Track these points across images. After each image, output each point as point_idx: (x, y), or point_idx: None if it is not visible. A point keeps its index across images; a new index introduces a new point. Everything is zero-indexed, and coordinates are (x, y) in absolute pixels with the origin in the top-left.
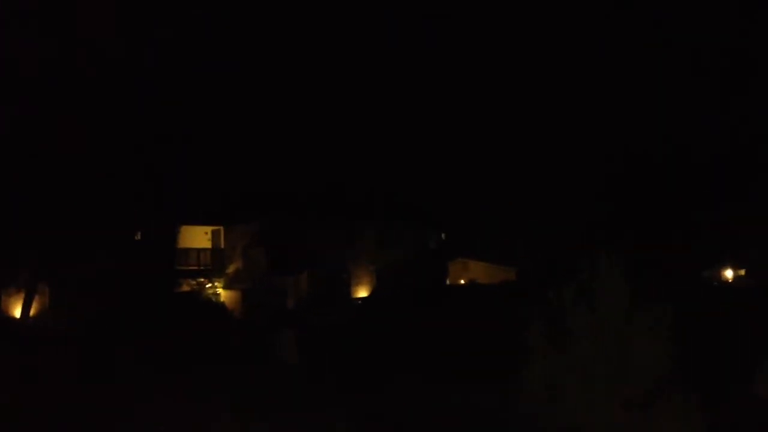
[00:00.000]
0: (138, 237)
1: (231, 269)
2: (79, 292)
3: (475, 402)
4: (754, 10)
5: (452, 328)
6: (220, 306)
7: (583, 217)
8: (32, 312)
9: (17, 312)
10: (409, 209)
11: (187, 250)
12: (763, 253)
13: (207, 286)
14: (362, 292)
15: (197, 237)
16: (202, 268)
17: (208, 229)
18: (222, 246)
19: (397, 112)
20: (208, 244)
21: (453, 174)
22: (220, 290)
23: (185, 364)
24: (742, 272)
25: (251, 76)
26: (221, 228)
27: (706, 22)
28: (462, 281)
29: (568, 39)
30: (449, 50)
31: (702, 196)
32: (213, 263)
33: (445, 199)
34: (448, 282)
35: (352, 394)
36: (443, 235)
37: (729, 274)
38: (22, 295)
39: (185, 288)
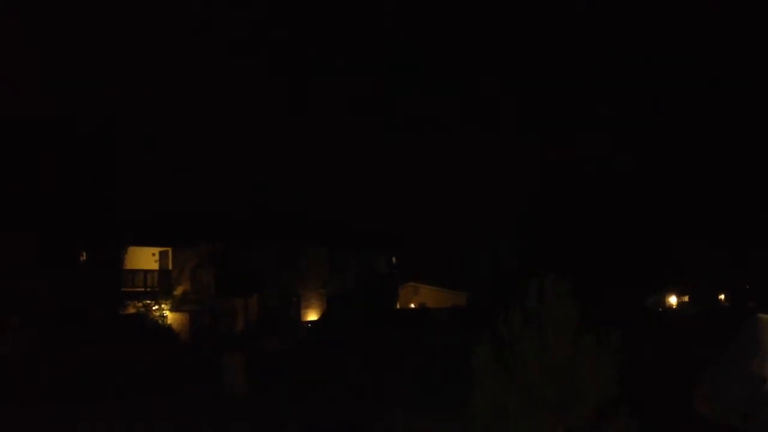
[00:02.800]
0: (83, 258)
1: (179, 291)
2: (21, 314)
3: (424, 428)
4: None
5: (402, 353)
6: (166, 329)
7: (531, 242)
8: None
9: None
10: (359, 233)
11: (134, 272)
12: (704, 279)
13: (154, 308)
14: (312, 315)
15: (144, 258)
16: (149, 289)
17: (156, 250)
18: (170, 267)
19: (350, 141)
20: (155, 266)
21: (403, 199)
22: (167, 312)
23: (125, 391)
24: (686, 298)
25: (199, 99)
26: (169, 249)
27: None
28: (412, 305)
29: (511, 72)
30: (396, 76)
31: (650, 223)
32: (160, 285)
33: (396, 223)
34: (398, 306)
35: (301, 424)
36: (394, 259)
37: (673, 300)
38: None
39: (131, 310)
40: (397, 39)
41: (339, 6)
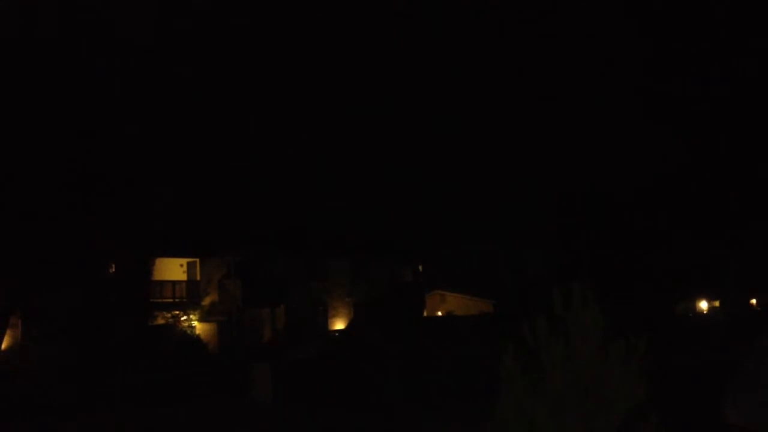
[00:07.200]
0: (112, 269)
1: (206, 302)
2: (52, 326)
3: None
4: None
5: (429, 361)
6: (195, 339)
7: (558, 249)
8: (4, 345)
9: None
10: (384, 242)
11: (163, 283)
12: (735, 284)
13: (182, 318)
14: (339, 324)
15: (173, 269)
16: (177, 300)
17: (184, 261)
18: (198, 278)
19: (376, 151)
20: (183, 277)
21: (429, 206)
22: (195, 323)
23: (152, 400)
24: (717, 304)
25: (224, 113)
26: (197, 260)
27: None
28: (439, 313)
29: (534, 81)
30: (417, 84)
31: (679, 228)
32: (188, 296)
33: (422, 232)
34: (425, 314)
35: None
36: (420, 267)
37: (704, 305)
38: None
39: (160, 321)
40: (413, 45)
41: (358, 15)
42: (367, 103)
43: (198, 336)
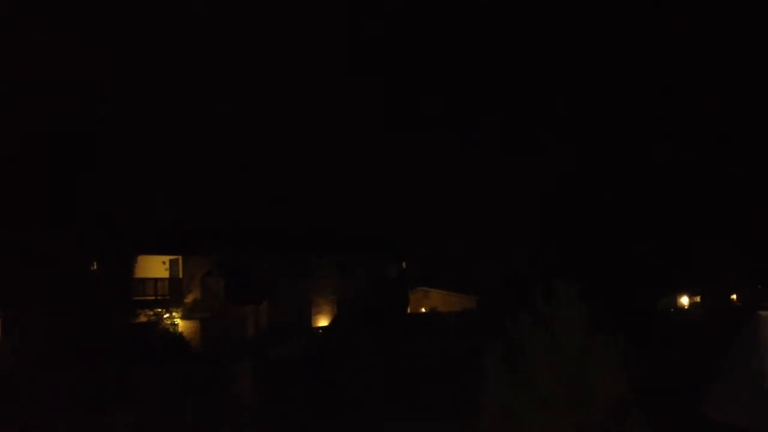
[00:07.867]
0: (94, 267)
1: (189, 299)
2: (32, 324)
3: None
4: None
5: (413, 358)
6: (177, 337)
7: (541, 245)
8: None
9: None
10: (369, 240)
11: (145, 280)
12: (716, 280)
13: (165, 316)
14: (323, 321)
15: (155, 267)
16: (159, 298)
17: (166, 258)
18: (180, 276)
19: (357, 148)
20: (165, 274)
21: (413, 204)
22: (178, 320)
23: (134, 399)
24: (698, 299)
25: (215, 109)
26: (179, 257)
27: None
28: (423, 309)
29: (524, 80)
30: (408, 83)
31: (661, 224)
32: (171, 293)
33: (406, 229)
34: (409, 310)
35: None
36: (404, 264)
37: (685, 301)
38: None
39: (142, 318)
40: (403, 45)
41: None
42: (356, 102)
43: (180, 334)
